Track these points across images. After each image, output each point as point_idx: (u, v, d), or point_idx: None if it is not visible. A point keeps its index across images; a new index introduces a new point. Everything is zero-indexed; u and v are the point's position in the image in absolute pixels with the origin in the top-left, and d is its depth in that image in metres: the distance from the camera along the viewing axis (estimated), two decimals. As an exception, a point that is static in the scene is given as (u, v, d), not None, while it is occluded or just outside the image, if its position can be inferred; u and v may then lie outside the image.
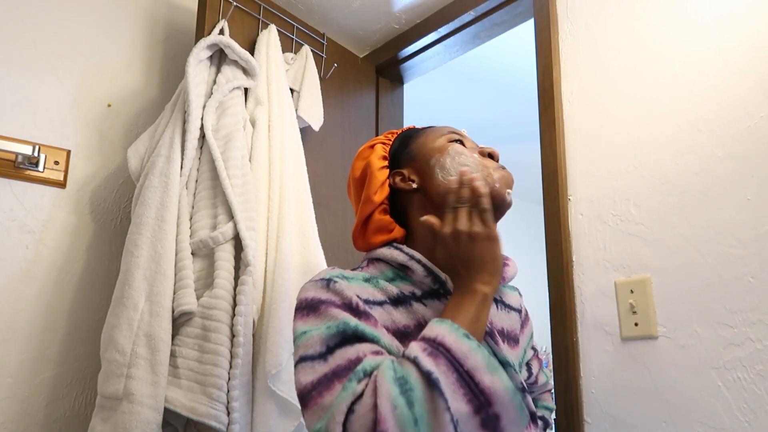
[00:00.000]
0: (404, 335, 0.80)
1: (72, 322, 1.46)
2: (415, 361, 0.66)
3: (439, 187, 0.89)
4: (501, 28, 1.85)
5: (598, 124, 1.40)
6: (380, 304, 0.82)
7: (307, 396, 0.71)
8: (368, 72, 2.12)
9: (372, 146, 1.00)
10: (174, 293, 1.28)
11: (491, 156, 0.93)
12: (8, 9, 1.49)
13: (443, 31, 1.90)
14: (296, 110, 1.69)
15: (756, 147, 1.13)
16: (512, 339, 0.94)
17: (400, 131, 1.03)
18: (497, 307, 0.94)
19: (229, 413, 1.22)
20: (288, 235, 1.45)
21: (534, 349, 1.07)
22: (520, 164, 4.10)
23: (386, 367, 0.67)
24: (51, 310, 1.44)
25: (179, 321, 1.28)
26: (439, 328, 0.70)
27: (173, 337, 1.27)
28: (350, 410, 0.65)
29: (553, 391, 1.15)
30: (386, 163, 0.97)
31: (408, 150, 0.96)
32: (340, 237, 1.85)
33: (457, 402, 0.63)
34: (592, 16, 1.46)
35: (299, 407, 1.32)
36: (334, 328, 0.74)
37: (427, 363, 0.65)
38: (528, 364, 1.03)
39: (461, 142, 0.94)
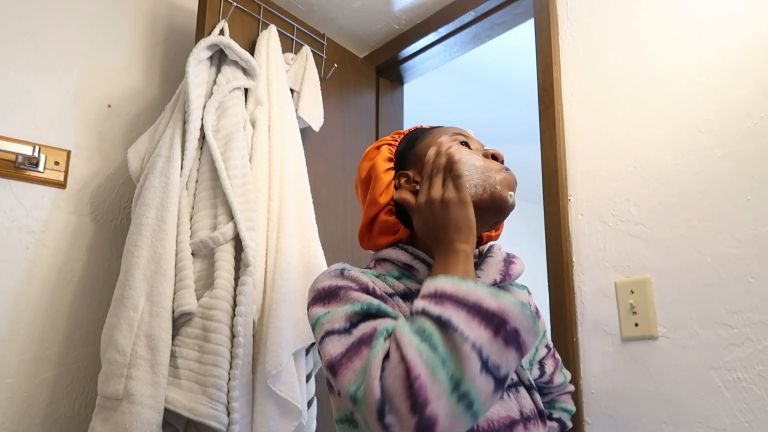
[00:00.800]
0: None
1: (72, 323, 1.47)
2: (424, 312, 0.69)
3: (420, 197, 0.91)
4: (501, 29, 1.85)
5: (598, 124, 1.40)
6: (390, 296, 0.86)
7: (337, 364, 0.72)
8: (368, 72, 2.12)
9: (378, 147, 1.00)
10: (174, 294, 1.28)
11: (495, 157, 0.94)
12: (8, 9, 1.49)
13: (443, 31, 1.90)
14: (296, 110, 1.69)
15: (756, 147, 1.13)
16: None
17: (407, 131, 1.03)
18: None
19: (229, 413, 1.22)
20: (288, 235, 1.45)
21: (548, 347, 1.06)
22: (520, 164, 4.10)
23: (402, 323, 0.70)
24: (51, 310, 1.44)
25: (179, 321, 1.28)
26: (434, 283, 0.72)
27: (173, 337, 1.27)
28: (382, 367, 0.66)
29: (573, 393, 1.12)
30: (392, 164, 0.98)
31: (413, 151, 0.97)
32: (340, 237, 1.85)
33: (474, 331, 0.65)
34: (593, 17, 1.46)
35: (299, 408, 1.33)
36: (359, 306, 0.76)
37: (436, 309, 0.68)
38: (541, 363, 1.02)
39: (467, 144, 0.94)
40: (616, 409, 1.24)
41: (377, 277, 0.88)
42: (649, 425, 1.19)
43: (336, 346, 0.73)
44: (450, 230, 0.82)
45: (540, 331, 0.68)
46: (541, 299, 1.41)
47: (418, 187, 0.93)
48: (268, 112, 1.55)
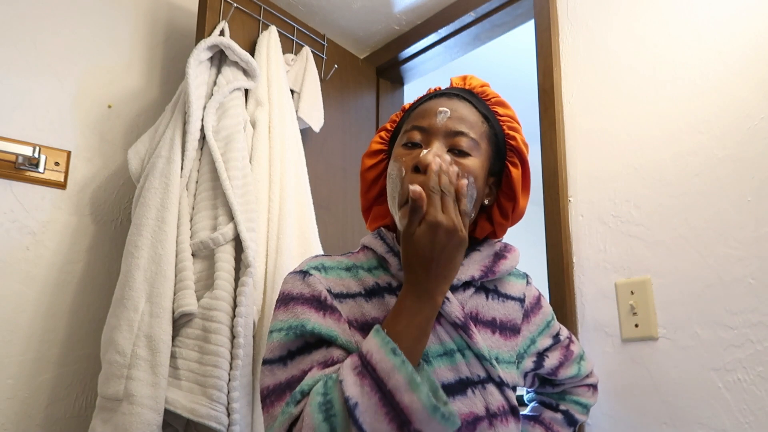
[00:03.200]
0: (372, 327, 0.80)
1: (72, 324, 1.46)
2: (341, 385, 0.69)
3: (391, 208, 0.89)
4: (501, 30, 1.85)
5: (599, 125, 1.40)
6: (353, 296, 0.85)
7: (265, 400, 0.77)
8: (369, 73, 2.12)
9: (377, 133, 1.02)
10: (174, 294, 1.28)
11: (417, 169, 0.83)
12: (8, 10, 1.49)
13: (444, 32, 1.90)
14: (296, 111, 1.69)
15: (756, 148, 1.13)
16: (509, 329, 0.92)
17: (408, 105, 0.98)
18: (488, 296, 0.92)
19: (229, 414, 1.22)
20: (288, 236, 1.45)
21: (557, 338, 1.01)
22: (520, 165, 4.10)
23: (316, 392, 0.71)
24: (51, 311, 1.44)
25: (179, 322, 1.28)
26: (372, 342, 0.72)
27: (173, 338, 1.27)
28: (288, 429, 0.71)
29: (595, 385, 1.09)
30: (379, 158, 0.98)
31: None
32: (340, 238, 1.85)
33: (378, 422, 0.66)
34: (593, 18, 1.46)
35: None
36: (292, 333, 0.78)
37: (351, 387, 0.68)
38: (541, 355, 0.97)
39: (419, 144, 0.87)
40: (616, 410, 1.24)
41: (349, 269, 0.88)
42: (650, 426, 1.18)
43: (267, 378, 0.78)
44: (446, 271, 0.75)
45: (454, 426, 0.67)
46: (541, 300, 1.41)
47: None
48: (268, 112, 1.55)
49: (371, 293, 0.86)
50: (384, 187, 0.98)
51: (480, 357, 0.84)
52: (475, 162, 0.87)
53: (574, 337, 1.07)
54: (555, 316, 1.05)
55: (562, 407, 1.04)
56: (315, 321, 0.79)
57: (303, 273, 0.85)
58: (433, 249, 0.74)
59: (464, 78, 0.98)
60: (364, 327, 0.82)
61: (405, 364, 0.68)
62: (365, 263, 0.90)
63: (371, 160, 0.98)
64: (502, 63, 2.77)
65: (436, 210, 0.74)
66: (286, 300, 0.83)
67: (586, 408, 1.06)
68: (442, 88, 0.99)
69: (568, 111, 1.46)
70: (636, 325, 1.24)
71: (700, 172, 1.20)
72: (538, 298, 1.01)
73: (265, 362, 0.79)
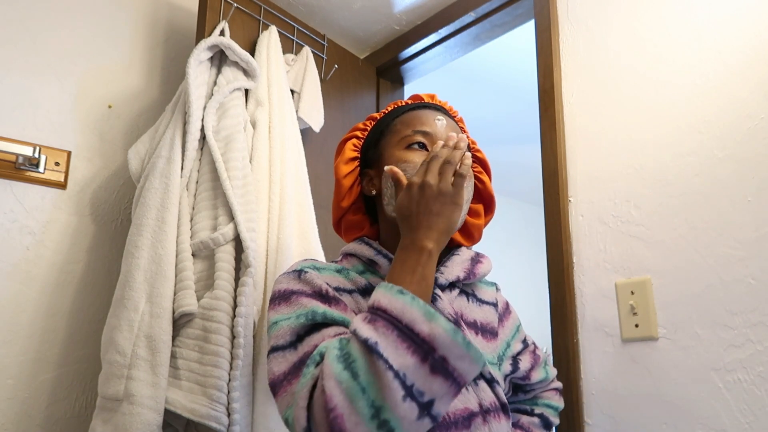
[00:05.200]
0: None
1: (72, 324, 1.47)
2: (354, 333, 0.68)
3: (389, 206, 0.92)
4: (501, 30, 1.85)
5: (599, 125, 1.40)
6: (349, 292, 0.87)
7: (278, 384, 0.74)
8: (369, 73, 2.12)
9: (344, 143, 1.01)
10: (174, 294, 1.28)
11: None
12: (9, 10, 1.49)
13: (444, 32, 1.90)
14: (297, 111, 1.69)
15: (756, 148, 1.13)
16: (489, 332, 0.94)
17: (380, 116, 1.01)
18: (468, 299, 0.95)
19: (229, 414, 1.22)
20: (288, 236, 1.45)
21: (525, 343, 1.04)
22: (520, 165, 4.10)
23: (332, 346, 0.69)
24: (51, 311, 1.44)
25: (180, 322, 1.28)
26: (376, 294, 0.72)
27: (174, 338, 1.27)
28: (311, 396, 0.67)
29: (561, 390, 1.11)
30: (354, 165, 0.99)
31: (376, 150, 0.98)
32: (339, 239, 1.84)
33: (401, 357, 0.64)
34: (593, 18, 1.46)
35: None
36: (303, 317, 0.77)
37: (365, 330, 0.67)
38: (515, 359, 1.00)
39: (424, 145, 0.92)
40: (616, 410, 1.24)
41: (339, 272, 0.89)
42: (650, 426, 1.18)
43: (280, 364, 0.76)
44: (429, 222, 0.79)
45: (478, 356, 0.66)
46: (541, 300, 1.41)
47: (374, 192, 0.96)
48: (268, 112, 1.55)
49: (365, 292, 0.88)
50: (357, 195, 0.99)
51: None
52: None
53: (537, 344, 1.10)
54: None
55: (537, 411, 1.05)
56: (324, 308, 0.78)
57: (298, 272, 0.85)
58: (411, 203, 0.80)
59: (432, 96, 1.04)
60: None
61: (415, 299, 0.68)
62: (352, 268, 0.93)
63: (348, 167, 0.98)
64: (502, 63, 2.77)
65: (428, 173, 0.80)
66: (285, 295, 0.82)
67: (557, 411, 1.08)
68: (407, 101, 1.03)
69: (568, 111, 1.46)
70: (636, 325, 1.24)
71: (700, 172, 1.20)
72: (507, 304, 1.05)
73: (275, 349, 0.78)
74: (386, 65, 2.12)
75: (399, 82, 2.23)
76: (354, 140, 1.01)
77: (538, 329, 1.94)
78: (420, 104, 1.00)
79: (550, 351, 1.42)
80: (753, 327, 1.08)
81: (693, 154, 1.22)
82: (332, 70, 1.93)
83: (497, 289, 1.05)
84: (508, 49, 2.60)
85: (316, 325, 0.77)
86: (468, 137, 1.02)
